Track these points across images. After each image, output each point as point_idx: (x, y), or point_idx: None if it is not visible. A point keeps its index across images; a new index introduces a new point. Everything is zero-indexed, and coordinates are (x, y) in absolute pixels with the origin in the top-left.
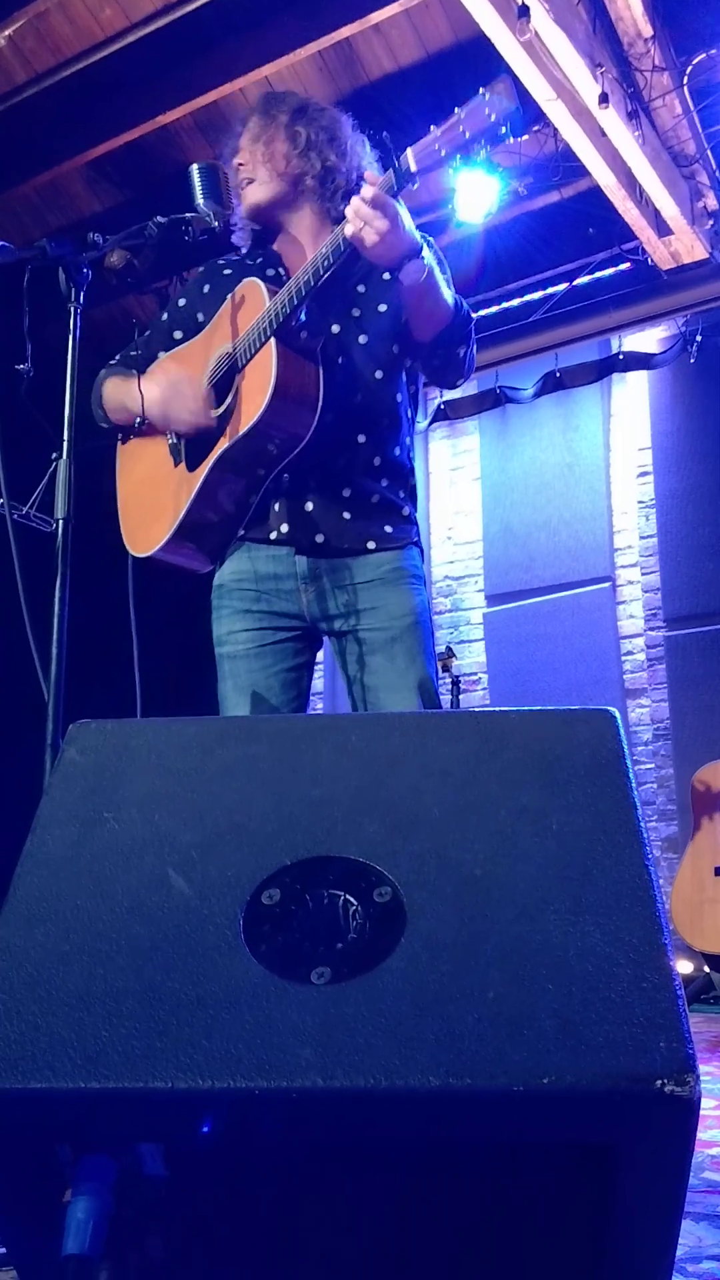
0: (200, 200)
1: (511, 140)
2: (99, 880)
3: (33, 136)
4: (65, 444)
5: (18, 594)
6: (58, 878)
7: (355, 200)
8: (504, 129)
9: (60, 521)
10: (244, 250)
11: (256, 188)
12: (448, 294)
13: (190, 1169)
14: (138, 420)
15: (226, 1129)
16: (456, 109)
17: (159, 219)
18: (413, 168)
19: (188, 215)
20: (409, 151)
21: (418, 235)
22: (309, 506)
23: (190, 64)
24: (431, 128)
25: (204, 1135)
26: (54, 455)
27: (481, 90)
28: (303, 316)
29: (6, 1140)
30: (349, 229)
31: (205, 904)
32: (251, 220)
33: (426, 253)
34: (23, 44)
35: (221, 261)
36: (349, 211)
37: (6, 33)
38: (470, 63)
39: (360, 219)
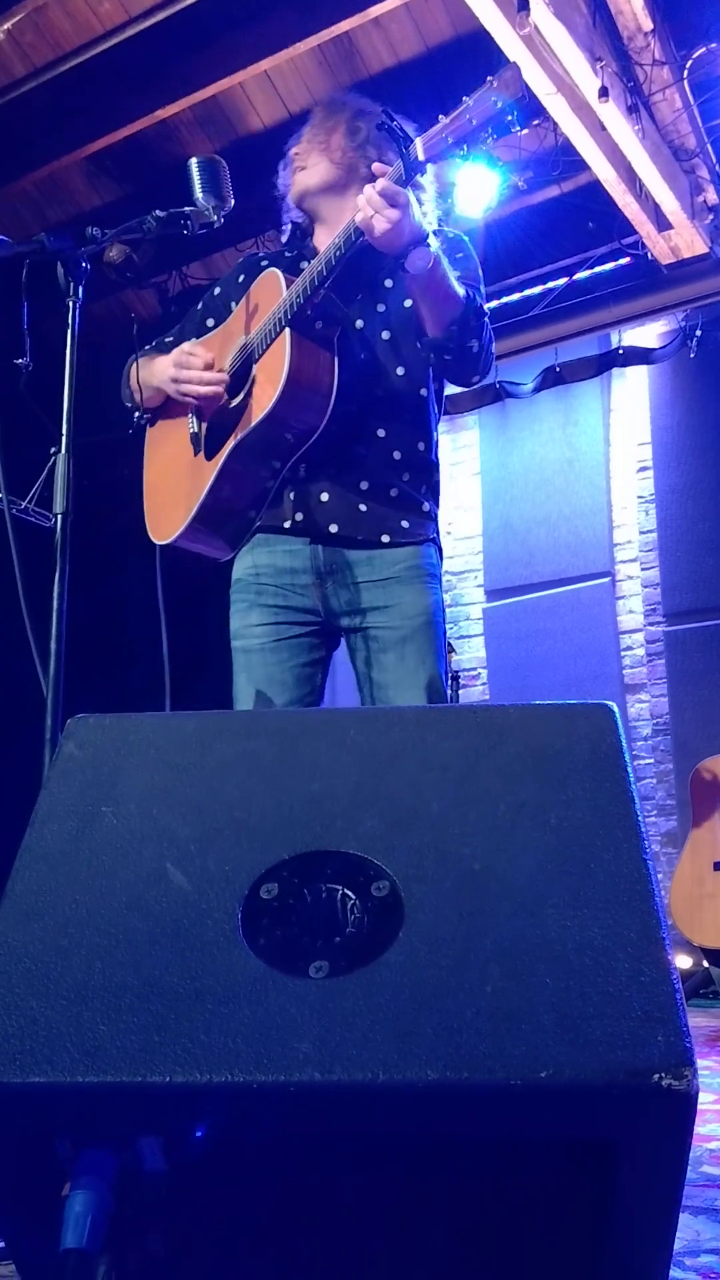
0: (199, 194)
1: (517, 129)
2: (97, 875)
3: (31, 131)
4: (64, 439)
5: (16, 589)
6: (56, 872)
7: (368, 188)
8: (510, 117)
9: (59, 516)
10: (284, 242)
11: (307, 173)
12: (457, 285)
13: (189, 1164)
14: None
15: (225, 1123)
16: (465, 98)
17: (158, 213)
18: (421, 156)
19: (187, 209)
20: (418, 141)
21: (426, 225)
22: (324, 497)
23: (189, 58)
24: (440, 117)
25: (199, 1137)
26: (53, 450)
27: (490, 79)
28: (319, 304)
29: (5, 1135)
30: (359, 216)
31: (203, 898)
32: (297, 206)
33: (433, 241)
34: (21, 38)
35: (260, 254)
36: (360, 199)
37: (5, 27)
38: (470, 57)
39: (371, 207)
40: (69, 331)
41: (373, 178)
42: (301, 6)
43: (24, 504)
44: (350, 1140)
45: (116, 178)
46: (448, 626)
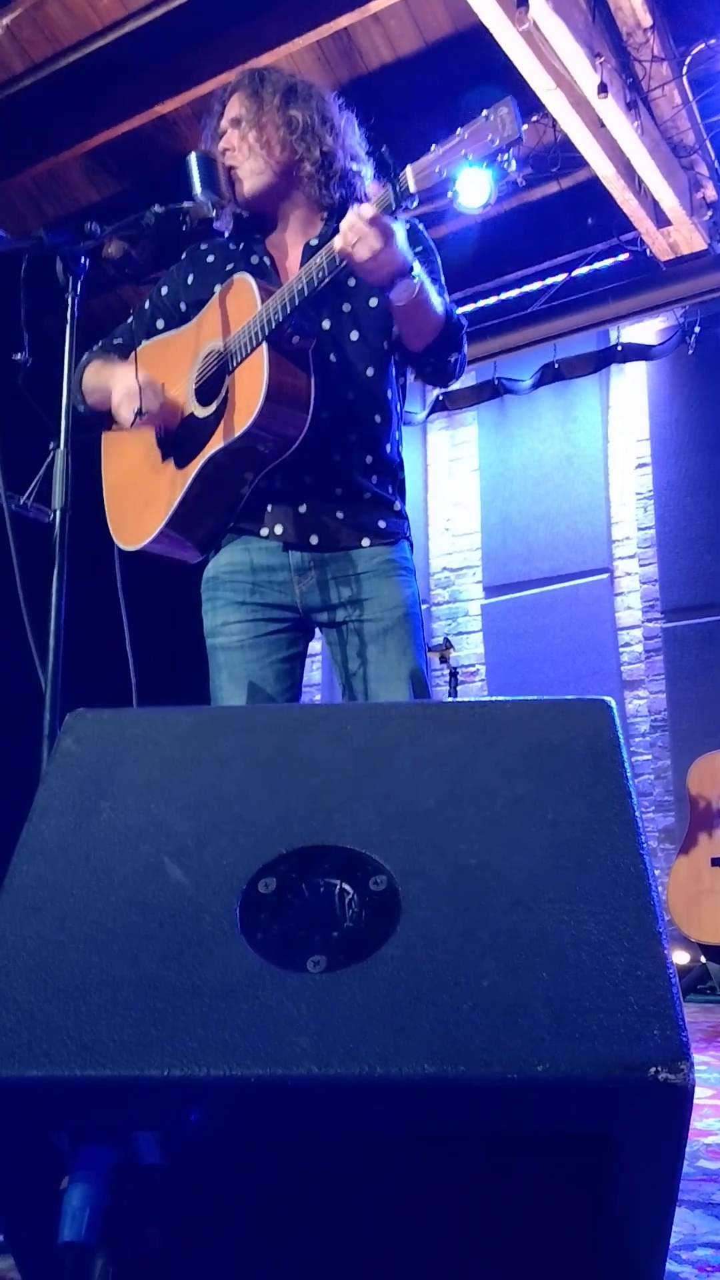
0: (198, 189)
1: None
2: (95, 869)
3: (30, 126)
4: (63, 434)
5: (15, 584)
6: (54, 867)
7: (352, 216)
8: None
9: (58, 512)
10: (227, 234)
11: (249, 179)
12: (438, 304)
13: (186, 1157)
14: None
15: (222, 1117)
16: (459, 129)
17: (156, 208)
18: (412, 188)
19: (185, 205)
20: (409, 170)
21: (409, 253)
22: (302, 509)
23: (188, 53)
24: (433, 146)
25: (197, 1124)
26: (51, 445)
27: (485, 112)
28: (294, 317)
29: (3, 1128)
30: (339, 243)
31: (201, 893)
32: (242, 209)
33: (417, 268)
34: (20, 33)
35: (205, 247)
36: (344, 226)
37: (4, 22)
38: (469, 53)
39: (355, 233)
40: (67, 327)
41: (320, 170)
42: (301, 2)
43: (23, 499)
44: (347, 1134)
45: (115, 173)
46: (445, 623)
